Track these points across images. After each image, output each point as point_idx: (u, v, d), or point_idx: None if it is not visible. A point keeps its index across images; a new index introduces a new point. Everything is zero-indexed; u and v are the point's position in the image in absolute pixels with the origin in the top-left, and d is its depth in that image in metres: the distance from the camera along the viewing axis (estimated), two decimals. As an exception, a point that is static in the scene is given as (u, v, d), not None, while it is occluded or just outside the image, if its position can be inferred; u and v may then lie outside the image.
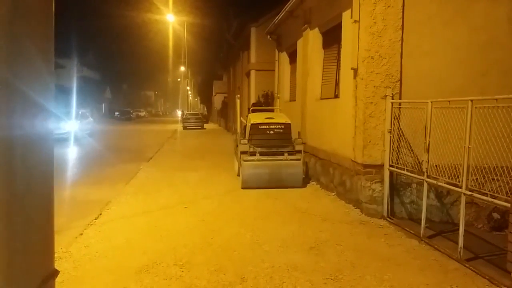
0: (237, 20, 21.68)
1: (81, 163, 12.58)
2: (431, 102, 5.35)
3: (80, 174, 10.57)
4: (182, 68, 62.26)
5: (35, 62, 1.33)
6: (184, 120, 36.14)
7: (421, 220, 5.55)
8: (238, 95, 15.05)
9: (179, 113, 65.49)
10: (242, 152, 8.79)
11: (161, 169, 11.54)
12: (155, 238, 5.39)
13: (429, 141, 5.40)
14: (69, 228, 5.68)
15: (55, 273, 1.48)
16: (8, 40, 1.26)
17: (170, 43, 45.87)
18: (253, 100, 18.18)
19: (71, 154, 15.72)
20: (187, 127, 34.22)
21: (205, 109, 59.40)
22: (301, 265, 4.44)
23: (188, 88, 71.23)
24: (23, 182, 1.30)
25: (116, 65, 58.84)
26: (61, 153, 15.03)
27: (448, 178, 5.12)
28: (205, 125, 37.35)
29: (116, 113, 57.56)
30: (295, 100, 11.44)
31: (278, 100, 12.91)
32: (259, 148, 8.71)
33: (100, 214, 6.48)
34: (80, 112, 23.34)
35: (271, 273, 4.23)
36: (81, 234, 5.50)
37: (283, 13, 11.06)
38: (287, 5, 10.41)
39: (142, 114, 71.91)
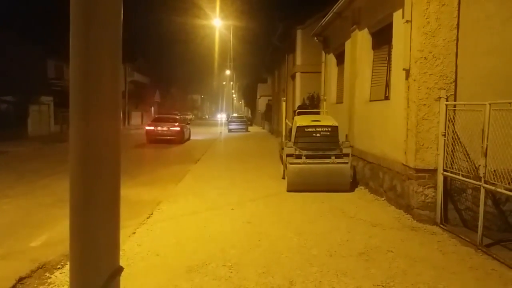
0: (283, 23, 21.69)
1: (134, 164, 13.06)
2: (490, 104, 5.09)
3: (133, 175, 10.96)
4: (228, 72, 63.16)
5: (105, 65, 1.40)
6: (229, 122, 36.66)
7: (476, 227, 5.29)
8: (284, 98, 15.04)
9: (218, 116, 66.32)
10: (288, 155, 8.77)
11: (208, 170, 11.76)
12: (204, 239, 5.50)
13: (486, 145, 5.13)
14: (123, 227, 5.88)
15: (120, 269, 1.55)
16: (83, 47, 1.34)
17: (216, 47, 46.63)
18: (298, 102, 18.11)
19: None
20: (232, 130, 34.67)
21: (249, 112, 59.83)
22: (350, 271, 4.36)
23: (233, 91, 72.12)
24: (94, 183, 1.38)
25: (164, 69, 60.59)
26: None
27: (508, 184, 4.84)
28: (249, 128, 37.64)
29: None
30: (342, 102, 11.27)
31: (324, 102, 12.77)
32: (305, 151, 8.65)
33: (152, 214, 6.69)
34: None
35: (319, 278, 4.18)
36: (134, 233, 5.71)
37: (330, 15, 10.94)
38: (335, 6, 10.30)
39: (189, 117, 73.67)
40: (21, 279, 4.23)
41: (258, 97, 46.64)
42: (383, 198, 7.72)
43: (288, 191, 8.51)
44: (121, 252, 4.81)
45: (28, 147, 18.34)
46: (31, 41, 26.11)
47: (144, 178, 10.71)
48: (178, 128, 21.73)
